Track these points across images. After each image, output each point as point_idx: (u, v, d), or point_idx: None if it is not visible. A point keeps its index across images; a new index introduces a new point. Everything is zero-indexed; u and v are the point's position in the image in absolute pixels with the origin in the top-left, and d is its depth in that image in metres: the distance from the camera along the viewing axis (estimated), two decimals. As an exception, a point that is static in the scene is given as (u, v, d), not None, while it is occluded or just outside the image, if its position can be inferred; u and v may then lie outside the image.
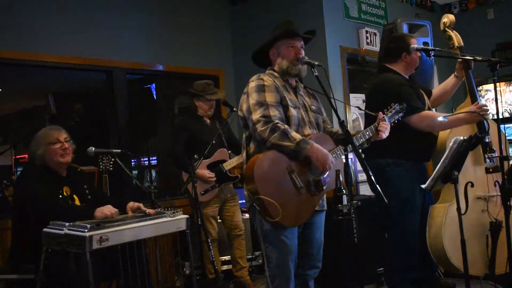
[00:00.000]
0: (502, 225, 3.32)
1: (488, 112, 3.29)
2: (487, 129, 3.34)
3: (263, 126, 2.54)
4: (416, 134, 3.32)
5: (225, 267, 4.44)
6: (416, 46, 3.66)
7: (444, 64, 5.76)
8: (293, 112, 2.67)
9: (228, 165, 4.16)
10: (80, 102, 6.75)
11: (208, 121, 4.29)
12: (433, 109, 3.75)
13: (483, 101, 6.15)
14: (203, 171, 4.05)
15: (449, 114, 3.30)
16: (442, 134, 3.48)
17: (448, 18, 3.71)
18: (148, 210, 2.98)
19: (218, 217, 4.28)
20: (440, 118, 3.20)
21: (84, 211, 2.88)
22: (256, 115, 2.57)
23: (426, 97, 3.55)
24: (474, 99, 3.49)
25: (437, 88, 3.82)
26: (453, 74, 3.70)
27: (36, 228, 2.73)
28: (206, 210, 4.09)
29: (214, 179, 4.07)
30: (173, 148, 4.18)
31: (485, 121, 3.37)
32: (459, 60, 3.58)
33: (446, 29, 3.70)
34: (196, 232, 3.58)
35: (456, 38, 3.65)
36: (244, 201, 4.30)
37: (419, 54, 3.50)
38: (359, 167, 4.91)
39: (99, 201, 3.09)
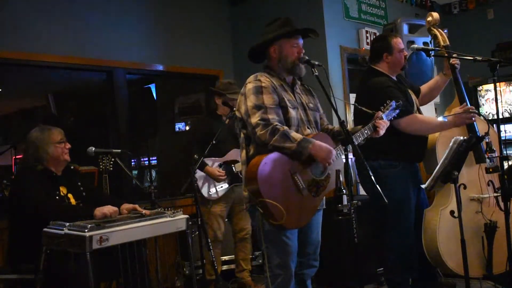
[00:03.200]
0: (497, 226, 3.31)
1: (474, 115, 3.28)
2: (479, 132, 3.32)
3: (262, 129, 2.52)
4: (407, 135, 3.30)
5: (225, 267, 4.44)
6: (416, 46, 3.64)
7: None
8: (292, 113, 2.66)
9: (240, 166, 4.14)
10: (80, 102, 6.76)
11: (227, 121, 4.27)
12: (433, 104, 3.71)
13: (482, 101, 6.15)
14: (214, 169, 4.06)
15: (449, 115, 3.29)
16: (432, 134, 3.46)
17: (433, 16, 3.66)
18: (144, 211, 2.98)
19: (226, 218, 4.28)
20: (440, 119, 3.20)
21: (84, 210, 2.88)
22: (254, 119, 2.56)
23: (414, 97, 3.53)
24: (461, 99, 3.47)
25: (426, 85, 3.77)
26: (441, 72, 3.68)
27: (34, 228, 2.73)
28: (215, 209, 4.10)
29: (225, 177, 4.08)
30: (190, 146, 4.15)
31: (475, 123, 3.34)
32: (446, 58, 3.56)
33: (431, 27, 3.66)
34: (197, 232, 3.59)
35: (442, 37, 3.61)
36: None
37: (405, 53, 3.45)
38: (359, 167, 4.91)
39: (95, 199, 3.09)
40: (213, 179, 4.07)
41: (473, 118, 3.28)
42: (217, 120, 4.23)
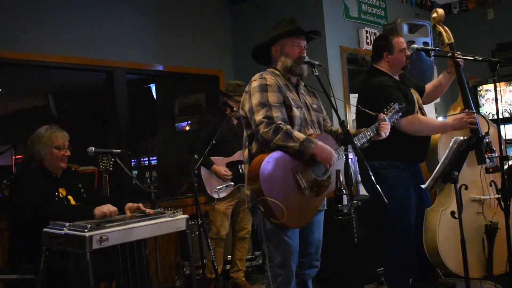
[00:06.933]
0: (498, 227, 3.30)
1: (474, 122, 3.28)
2: (481, 132, 3.32)
3: (265, 127, 2.52)
4: (409, 135, 3.30)
5: (226, 267, 4.44)
6: (416, 46, 3.63)
7: (444, 64, 5.76)
8: (296, 112, 2.66)
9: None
10: (80, 102, 6.77)
11: (235, 121, 4.28)
12: (433, 104, 3.70)
13: (482, 101, 6.15)
14: (220, 168, 4.08)
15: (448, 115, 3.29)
16: (434, 135, 3.46)
17: (438, 13, 3.64)
18: (148, 210, 2.98)
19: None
20: (441, 118, 3.20)
21: (83, 211, 2.88)
22: (259, 116, 2.56)
23: (417, 96, 3.52)
24: (465, 97, 3.47)
25: (430, 84, 3.78)
26: (445, 70, 3.67)
27: (34, 228, 2.73)
28: (220, 206, 4.11)
29: (230, 176, 4.09)
30: (194, 144, 4.15)
31: (478, 124, 3.33)
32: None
33: (436, 24, 3.65)
34: (197, 232, 3.59)
35: (446, 34, 3.60)
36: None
37: (407, 53, 3.44)
38: (359, 167, 4.91)
39: (95, 200, 3.09)
40: (219, 178, 4.09)
41: (475, 123, 3.28)
42: (223, 120, 4.22)
